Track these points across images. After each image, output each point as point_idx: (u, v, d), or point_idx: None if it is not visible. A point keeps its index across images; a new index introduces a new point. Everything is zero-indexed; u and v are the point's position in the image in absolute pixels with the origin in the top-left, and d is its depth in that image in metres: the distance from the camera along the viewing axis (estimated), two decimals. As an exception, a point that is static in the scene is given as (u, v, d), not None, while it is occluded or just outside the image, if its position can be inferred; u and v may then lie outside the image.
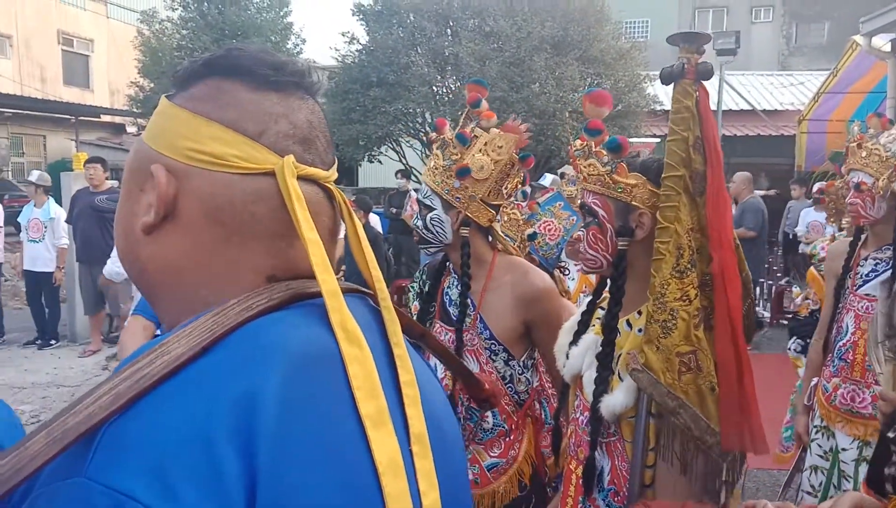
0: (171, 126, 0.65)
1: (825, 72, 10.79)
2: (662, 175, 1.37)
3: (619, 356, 1.42)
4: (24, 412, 5.04)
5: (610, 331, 1.44)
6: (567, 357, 1.59)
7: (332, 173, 0.69)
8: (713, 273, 1.35)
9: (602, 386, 1.40)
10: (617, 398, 1.36)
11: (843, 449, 2.43)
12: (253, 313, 0.60)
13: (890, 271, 2.37)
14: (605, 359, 1.42)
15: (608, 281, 1.54)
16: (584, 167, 1.48)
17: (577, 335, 1.59)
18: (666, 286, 1.32)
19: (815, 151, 10.43)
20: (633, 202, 1.42)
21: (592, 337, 1.54)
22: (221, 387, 0.54)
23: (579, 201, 1.52)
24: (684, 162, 1.35)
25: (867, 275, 2.48)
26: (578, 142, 1.51)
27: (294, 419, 0.55)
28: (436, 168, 1.90)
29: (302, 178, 0.64)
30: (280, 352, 0.58)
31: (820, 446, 2.54)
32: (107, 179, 6.63)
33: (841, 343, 2.48)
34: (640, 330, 1.42)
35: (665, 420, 1.32)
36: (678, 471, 1.31)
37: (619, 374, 1.40)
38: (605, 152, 1.46)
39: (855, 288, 2.49)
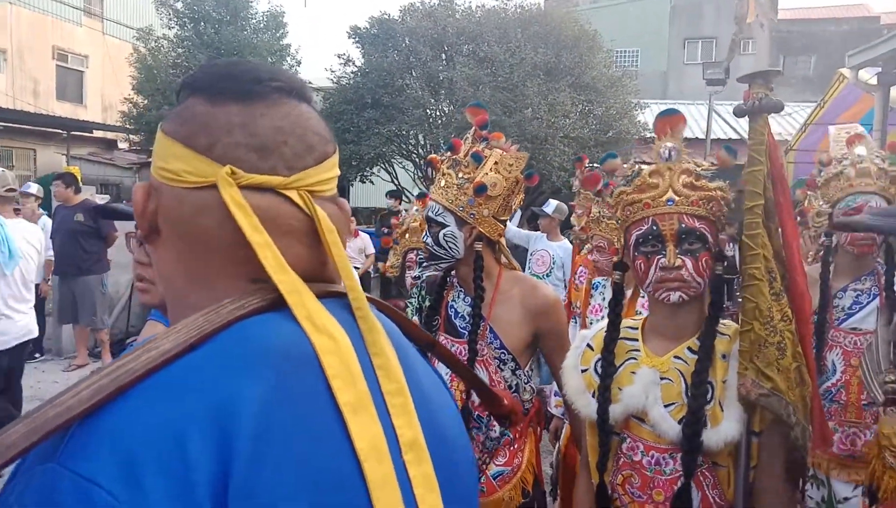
0: (155, 148, 0.69)
1: (812, 103, 10.97)
2: (748, 203, 1.40)
3: (706, 385, 1.41)
4: (6, 427, 4.95)
5: (706, 363, 1.40)
6: (609, 400, 1.47)
7: (303, 177, 0.66)
8: (797, 294, 1.42)
9: (701, 419, 1.37)
10: (730, 428, 1.37)
11: (845, 499, 2.23)
12: (245, 312, 0.61)
13: (876, 300, 2.25)
14: (704, 393, 1.39)
15: (614, 310, 1.53)
16: (707, 189, 1.44)
17: (608, 371, 1.49)
18: (771, 310, 1.37)
19: (802, 180, 10.55)
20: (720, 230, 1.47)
21: (649, 371, 1.46)
22: (202, 387, 0.55)
23: (678, 226, 1.40)
24: (764, 190, 1.41)
25: (850, 308, 2.30)
26: (707, 164, 1.50)
27: (272, 423, 0.56)
28: (448, 186, 1.94)
29: (257, 186, 0.64)
30: (263, 354, 0.59)
31: (811, 497, 2.33)
32: (76, 193, 6.63)
33: (829, 384, 2.28)
34: (723, 356, 1.42)
35: (773, 436, 1.38)
36: (788, 480, 1.38)
37: (719, 404, 1.39)
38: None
39: (837, 323, 2.30)
